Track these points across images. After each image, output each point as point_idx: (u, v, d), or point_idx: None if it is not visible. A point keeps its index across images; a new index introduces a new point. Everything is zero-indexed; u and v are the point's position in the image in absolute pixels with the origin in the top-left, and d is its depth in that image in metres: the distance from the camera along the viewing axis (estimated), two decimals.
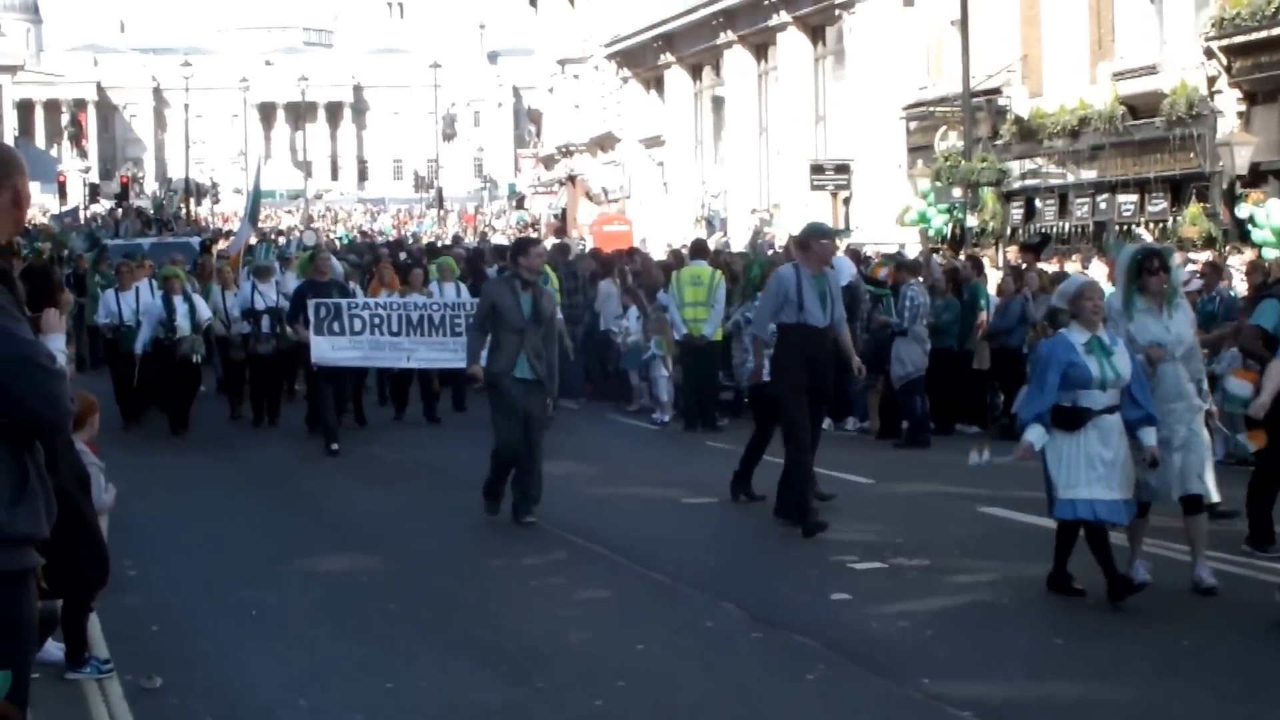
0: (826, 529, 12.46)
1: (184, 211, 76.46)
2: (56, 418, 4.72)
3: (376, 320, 18.62)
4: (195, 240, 37.22)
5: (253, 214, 28.36)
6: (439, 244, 41.44)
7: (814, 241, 13.26)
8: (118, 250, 33.42)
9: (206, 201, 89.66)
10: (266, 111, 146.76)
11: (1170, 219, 28.06)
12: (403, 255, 30.71)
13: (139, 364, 20.31)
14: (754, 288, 15.47)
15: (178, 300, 20.05)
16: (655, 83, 53.93)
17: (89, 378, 24.50)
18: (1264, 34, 26.13)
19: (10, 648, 4.73)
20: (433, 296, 20.54)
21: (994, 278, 22.68)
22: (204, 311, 20.34)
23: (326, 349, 18.32)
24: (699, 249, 22.07)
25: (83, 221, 58.15)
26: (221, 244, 35.25)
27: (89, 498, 8.43)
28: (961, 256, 26.15)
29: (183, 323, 19.91)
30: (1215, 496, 10.72)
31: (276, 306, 20.58)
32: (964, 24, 30.23)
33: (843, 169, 38.86)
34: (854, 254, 25.09)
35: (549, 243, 34.71)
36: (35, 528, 4.71)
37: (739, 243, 37.78)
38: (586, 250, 31.23)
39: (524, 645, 9.32)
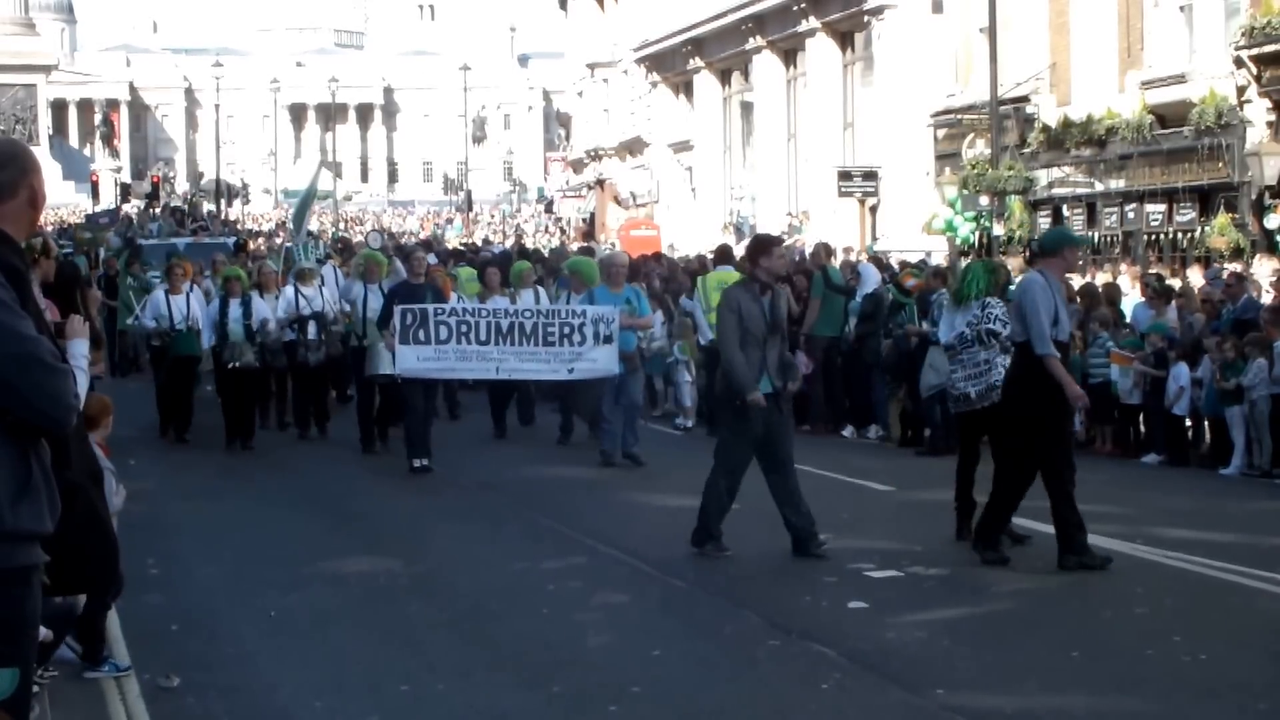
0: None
1: (213, 211, 76.49)
2: (59, 414, 4.73)
3: (464, 328, 17.13)
4: (230, 241, 36.80)
5: (299, 216, 26.43)
6: (465, 246, 41.39)
7: (1066, 249, 11.99)
8: (152, 251, 33.23)
9: (237, 202, 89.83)
10: (297, 112, 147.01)
11: (1198, 229, 27.98)
12: (431, 258, 30.58)
13: (177, 368, 19.78)
14: (972, 297, 13.05)
15: (234, 303, 19.26)
16: (684, 87, 53.97)
17: (116, 383, 24.38)
18: None
19: (14, 645, 4.75)
20: (514, 302, 19.48)
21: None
22: (262, 311, 19.43)
23: (411, 359, 16.95)
24: (725, 254, 22.11)
25: (120, 220, 58.13)
26: (254, 245, 35.14)
27: (102, 494, 8.46)
28: None
29: (235, 327, 19.10)
30: None
31: (323, 311, 19.88)
32: (992, 32, 30.16)
33: (870, 176, 38.85)
34: (877, 261, 25.10)
35: (574, 247, 34.75)
36: (39, 524, 4.72)
37: None
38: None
39: (541, 649, 9.34)
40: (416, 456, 16.78)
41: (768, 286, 12.15)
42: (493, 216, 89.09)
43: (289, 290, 20.21)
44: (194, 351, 19.81)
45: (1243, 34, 26.96)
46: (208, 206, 78.91)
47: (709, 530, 12.15)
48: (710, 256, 23.55)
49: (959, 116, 34.94)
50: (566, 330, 17.22)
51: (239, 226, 63.63)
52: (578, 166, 72.51)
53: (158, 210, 64.40)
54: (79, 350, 6.27)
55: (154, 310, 20.28)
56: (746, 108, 49.82)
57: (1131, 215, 30.24)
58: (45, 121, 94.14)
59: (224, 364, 19.10)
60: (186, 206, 71.15)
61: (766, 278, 12.16)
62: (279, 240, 44.02)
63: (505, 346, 17.23)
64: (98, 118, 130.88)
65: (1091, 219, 31.52)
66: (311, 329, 19.75)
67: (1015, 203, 32.02)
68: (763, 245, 12.62)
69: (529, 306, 18.53)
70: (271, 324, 19.46)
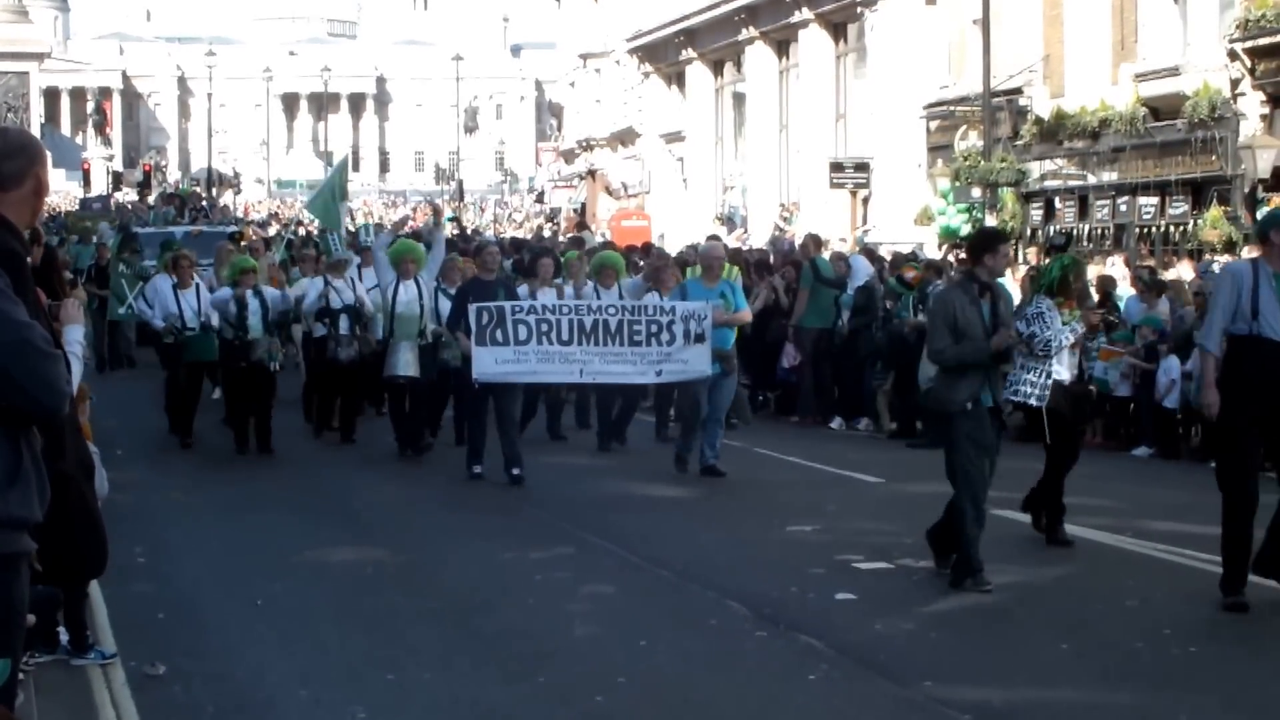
0: None
1: (214, 200, 76.24)
2: (52, 401, 4.71)
3: (544, 327, 15.54)
4: (228, 231, 36.25)
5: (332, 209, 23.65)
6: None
7: (1273, 232, 10.27)
8: (148, 239, 32.96)
9: (229, 191, 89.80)
10: (289, 102, 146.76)
11: (1191, 222, 27.95)
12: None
13: (190, 374, 18.49)
14: (1046, 289, 12.18)
15: (249, 295, 17.76)
16: (676, 78, 53.88)
17: (106, 376, 24.17)
18: None
19: (3, 633, 4.73)
20: (560, 295, 17.86)
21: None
22: (282, 302, 18.28)
23: (489, 362, 15.40)
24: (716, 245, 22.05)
25: (113, 209, 57.79)
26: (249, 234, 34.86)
27: (92, 486, 8.42)
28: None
29: (254, 321, 17.66)
30: None
31: (355, 305, 18.58)
32: (986, 23, 30.11)
33: (862, 167, 38.78)
34: (869, 253, 25.08)
35: (565, 238, 34.67)
36: (28, 512, 4.70)
37: (759, 240, 37.74)
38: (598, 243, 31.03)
39: (528, 640, 9.32)
40: (475, 463, 15.76)
41: (988, 287, 10.89)
42: (484, 209, 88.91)
43: (318, 281, 19.23)
44: (209, 357, 18.43)
45: (1237, 26, 26.90)
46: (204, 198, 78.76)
47: (970, 564, 10.74)
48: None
49: (952, 108, 34.86)
50: (655, 328, 15.72)
51: (238, 216, 63.22)
52: (569, 157, 72.44)
53: (152, 198, 64.10)
54: (74, 336, 6.25)
55: (162, 308, 19.01)
56: (739, 99, 49.74)
57: (1124, 208, 30.16)
58: (38, 109, 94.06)
59: (255, 362, 17.61)
60: (183, 194, 70.77)
61: (988, 277, 10.92)
62: (272, 230, 43.89)
63: (589, 346, 15.71)
64: (90, 106, 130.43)
65: (1084, 211, 31.45)
66: (343, 324, 18.52)
67: (1007, 195, 31.97)
68: (987, 241, 11.28)
69: (618, 303, 16.87)
70: (282, 310, 18.41)
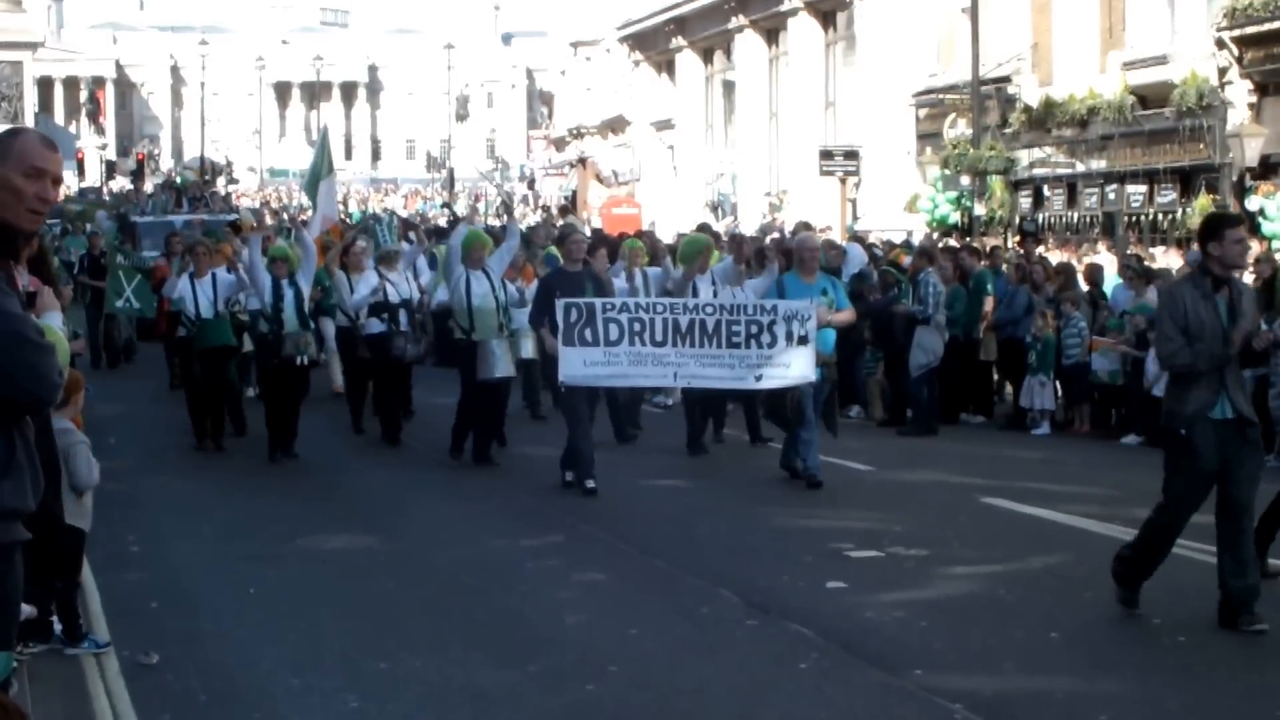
0: None
1: (215, 190, 75.97)
2: (44, 393, 4.74)
3: (637, 327, 14.31)
4: (227, 219, 35.55)
5: (311, 184, 22.63)
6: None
7: None
8: (148, 229, 32.75)
9: (221, 180, 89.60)
10: (282, 91, 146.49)
11: (1179, 210, 28.01)
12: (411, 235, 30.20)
13: (207, 362, 17.33)
14: None
15: (284, 285, 16.59)
16: (666, 66, 53.87)
17: (104, 374, 23.96)
18: (1276, 25, 26.02)
19: None
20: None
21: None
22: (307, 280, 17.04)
23: (577, 364, 14.26)
24: (703, 233, 22.10)
25: (108, 198, 57.50)
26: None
27: (57, 491, 8.35)
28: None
29: (289, 313, 16.48)
30: None
31: (410, 299, 17.88)
32: (974, 11, 30.11)
33: (852, 155, 38.81)
34: (859, 240, 25.12)
35: (558, 225, 34.63)
36: (21, 501, 4.73)
37: (749, 227, 37.76)
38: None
39: (520, 627, 9.36)
40: (586, 477, 14.30)
41: (1223, 281, 9.45)
42: (479, 197, 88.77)
43: (371, 275, 18.34)
44: (227, 341, 17.36)
45: (1224, 15, 26.95)
46: (190, 180, 78.40)
47: (1131, 580, 9.81)
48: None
49: (941, 96, 34.87)
50: (754, 329, 14.36)
51: (236, 206, 62.83)
52: (560, 145, 72.40)
53: (148, 187, 63.84)
54: (53, 324, 6.28)
55: (179, 292, 18.22)
56: (728, 87, 49.75)
57: (1112, 196, 30.21)
58: (31, 99, 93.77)
59: (285, 358, 16.44)
60: (182, 183, 70.49)
61: (1220, 270, 9.45)
62: (268, 221, 43.66)
63: (684, 348, 14.42)
64: (84, 95, 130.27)
65: (1072, 199, 31.50)
66: (403, 319, 17.72)
67: (996, 183, 31.99)
68: (1212, 227, 9.67)
69: (715, 301, 15.65)
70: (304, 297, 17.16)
